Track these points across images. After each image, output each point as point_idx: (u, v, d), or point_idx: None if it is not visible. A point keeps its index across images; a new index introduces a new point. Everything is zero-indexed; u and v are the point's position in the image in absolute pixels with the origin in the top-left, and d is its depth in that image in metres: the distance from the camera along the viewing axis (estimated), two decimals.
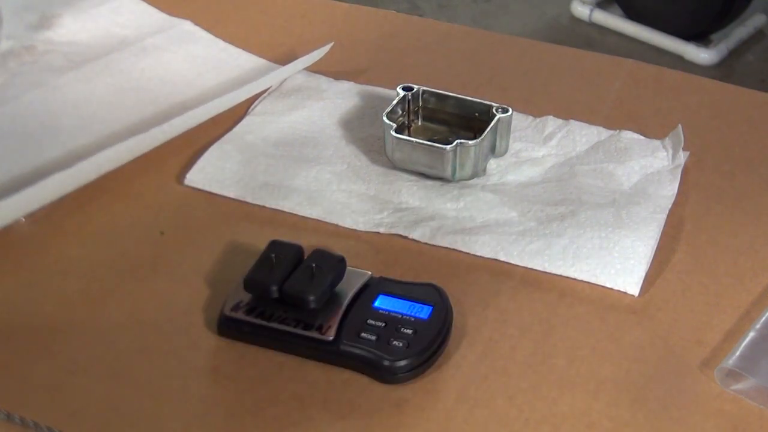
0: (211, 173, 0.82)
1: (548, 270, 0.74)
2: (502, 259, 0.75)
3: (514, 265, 0.74)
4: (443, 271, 0.74)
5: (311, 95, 0.91)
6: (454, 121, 0.84)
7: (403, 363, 0.65)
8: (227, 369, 0.67)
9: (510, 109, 0.81)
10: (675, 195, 0.80)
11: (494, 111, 0.81)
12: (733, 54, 2.46)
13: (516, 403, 0.64)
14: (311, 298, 0.66)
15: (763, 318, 0.69)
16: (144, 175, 0.82)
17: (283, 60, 0.95)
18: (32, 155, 0.83)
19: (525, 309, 0.71)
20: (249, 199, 0.80)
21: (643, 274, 0.73)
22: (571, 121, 0.87)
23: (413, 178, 0.82)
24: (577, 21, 2.61)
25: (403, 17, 1.06)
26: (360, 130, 0.87)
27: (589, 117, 0.88)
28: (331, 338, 0.66)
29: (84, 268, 0.74)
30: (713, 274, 0.74)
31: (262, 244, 0.70)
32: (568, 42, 1.05)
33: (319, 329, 0.66)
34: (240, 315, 0.67)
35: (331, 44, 0.95)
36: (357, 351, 0.65)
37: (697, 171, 0.84)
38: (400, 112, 0.84)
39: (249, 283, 0.68)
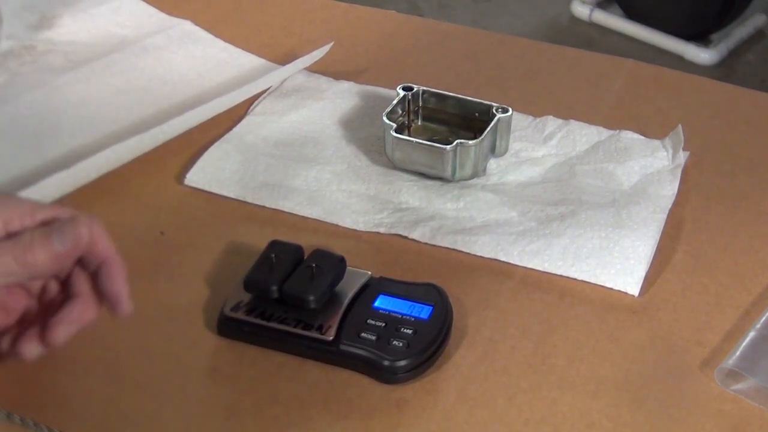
0: (211, 173, 0.82)
1: (548, 270, 0.74)
2: (502, 259, 0.75)
3: (514, 265, 0.74)
4: (443, 271, 0.74)
5: (311, 95, 0.91)
6: (454, 121, 0.84)
7: (403, 363, 0.65)
8: (227, 369, 0.67)
9: (510, 109, 0.81)
10: (675, 195, 0.80)
11: (494, 111, 0.81)
12: (733, 54, 2.46)
13: (516, 403, 0.64)
14: (311, 298, 0.66)
15: (763, 318, 0.69)
16: (144, 175, 0.82)
17: (283, 60, 0.95)
18: (32, 155, 0.83)
19: (525, 309, 0.71)
20: (249, 199, 0.80)
21: (643, 274, 0.73)
22: (571, 121, 0.87)
23: (413, 178, 0.82)
24: (577, 21, 2.61)
25: (403, 17, 1.06)
26: (360, 130, 0.87)
27: (589, 117, 0.88)
28: (331, 338, 0.66)
29: None
30: (713, 274, 0.74)
31: (262, 244, 0.70)
32: (568, 42, 1.05)
33: (319, 329, 0.66)
34: (240, 315, 0.67)
35: (331, 44, 0.95)
36: (357, 351, 0.65)
37: (697, 171, 0.84)
38: (400, 112, 0.84)
39: (249, 283, 0.68)
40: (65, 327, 0.60)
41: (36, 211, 0.61)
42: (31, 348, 0.60)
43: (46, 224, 0.61)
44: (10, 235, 0.59)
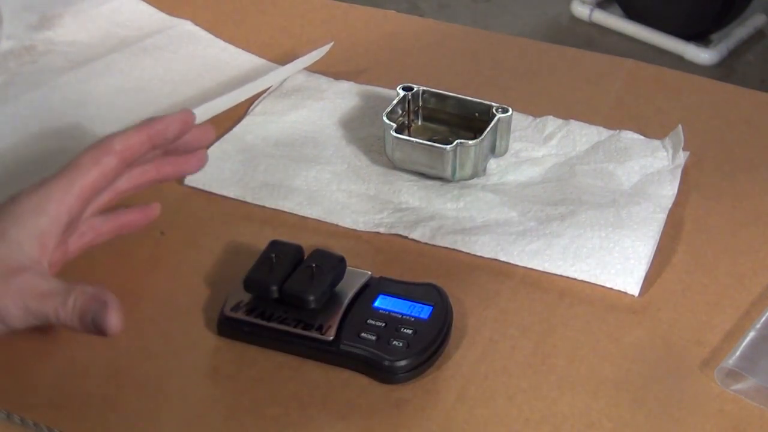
0: (211, 173, 0.82)
1: (548, 270, 0.74)
2: (502, 259, 0.75)
3: (514, 265, 0.74)
4: (443, 271, 0.74)
5: (311, 95, 0.91)
6: (454, 121, 0.84)
7: (403, 363, 0.65)
8: (227, 369, 0.67)
9: (510, 109, 0.81)
10: (675, 195, 0.80)
11: (494, 111, 0.81)
12: (733, 54, 2.46)
13: (516, 403, 0.64)
14: (311, 298, 0.66)
15: (763, 318, 0.69)
16: None
17: (283, 60, 0.95)
18: (32, 156, 0.83)
19: (525, 309, 0.71)
20: (249, 199, 0.80)
21: (643, 274, 0.73)
22: (571, 121, 0.87)
23: (413, 178, 0.82)
24: (577, 21, 2.61)
25: (403, 17, 1.06)
26: (360, 130, 0.87)
27: (589, 117, 0.88)
28: (331, 338, 0.66)
29: (83, 269, 0.74)
30: (713, 274, 0.74)
31: (262, 244, 0.70)
32: (568, 42, 1.05)
33: (319, 329, 0.66)
34: (240, 315, 0.67)
35: (331, 44, 0.95)
36: (357, 351, 0.65)
37: (697, 171, 0.84)
38: (400, 112, 0.84)
39: (249, 283, 0.68)
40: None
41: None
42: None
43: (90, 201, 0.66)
44: (65, 227, 0.64)
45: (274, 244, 0.70)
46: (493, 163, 0.83)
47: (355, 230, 0.77)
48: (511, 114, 0.81)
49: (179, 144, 0.71)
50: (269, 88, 0.91)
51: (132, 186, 0.71)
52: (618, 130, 0.86)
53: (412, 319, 0.67)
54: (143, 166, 0.71)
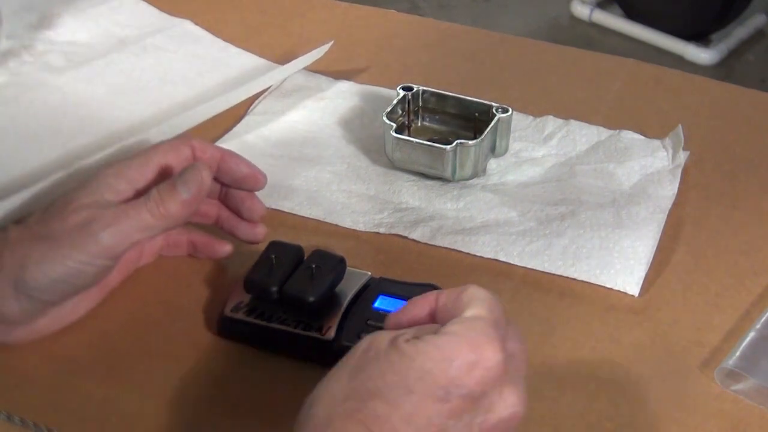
0: None
1: (548, 270, 0.74)
2: (502, 259, 0.75)
3: (514, 265, 0.74)
4: (443, 271, 0.74)
5: (311, 95, 0.91)
6: (454, 121, 0.84)
7: None
8: (227, 369, 0.67)
9: (510, 109, 0.81)
10: (675, 195, 0.80)
11: (494, 111, 0.81)
12: (733, 54, 2.46)
13: None
14: (311, 298, 0.66)
15: (763, 318, 0.69)
16: None
17: (283, 60, 0.95)
18: (32, 155, 0.83)
19: (525, 309, 0.71)
20: None
21: (643, 274, 0.73)
22: (571, 121, 0.87)
23: (413, 178, 0.82)
24: (577, 21, 2.61)
25: (403, 17, 1.06)
26: (360, 130, 0.87)
27: (589, 117, 0.88)
28: (331, 339, 0.66)
29: None
30: (713, 274, 0.74)
31: (262, 245, 0.70)
32: (568, 42, 1.05)
33: (319, 330, 0.66)
34: (240, 315, 0.67)
35: (331, 43, 0.95)
36: None
37: (697, 171, 0.84)
38: (400, 112, 0.84)
39: (249, 284, 0.68)
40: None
41: (153, 165, 0.68)
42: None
43: (165, 177, 0.68)
44: (138, 194, 0.66)
45: (274, 245, 0.70)
46: (493, 163, 0.83)
47: (355, 230, 0.77)
48: (511, 114, 0.81)
49: (237, 199, 0.73)
50: (269, 88, 0.91)
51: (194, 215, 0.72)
52: (618, 130, 0.86)
53: None
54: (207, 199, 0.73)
